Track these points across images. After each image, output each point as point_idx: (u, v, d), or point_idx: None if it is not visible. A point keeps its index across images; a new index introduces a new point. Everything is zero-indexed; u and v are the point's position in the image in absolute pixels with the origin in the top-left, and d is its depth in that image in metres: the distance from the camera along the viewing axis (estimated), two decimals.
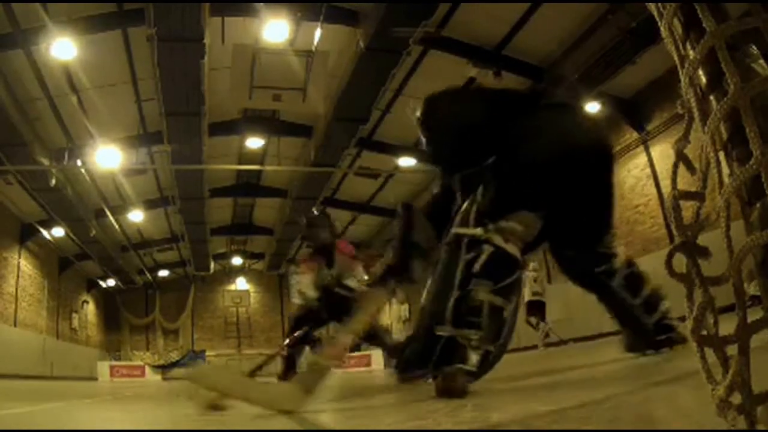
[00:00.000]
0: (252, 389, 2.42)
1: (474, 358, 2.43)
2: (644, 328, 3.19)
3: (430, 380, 2.58)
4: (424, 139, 3.10)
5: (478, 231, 2.58)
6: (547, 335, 13.93)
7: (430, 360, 2.55)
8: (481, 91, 3.31)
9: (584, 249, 3.15)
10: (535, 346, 13.72)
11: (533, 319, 13.85)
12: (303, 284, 6.73)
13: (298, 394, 2.32)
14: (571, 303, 15.73)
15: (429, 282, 2.86)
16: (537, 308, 14.13)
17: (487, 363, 2.51)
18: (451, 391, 2.27)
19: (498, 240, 2.53)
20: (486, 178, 2.74)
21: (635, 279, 3.23)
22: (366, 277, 5.94)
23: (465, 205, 2.79)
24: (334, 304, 6.26)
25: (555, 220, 2.76)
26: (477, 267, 2.52)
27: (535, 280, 14.18)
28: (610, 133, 3.37)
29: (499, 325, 2.52)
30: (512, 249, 2.55)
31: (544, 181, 2.65)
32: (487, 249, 2.53)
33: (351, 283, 6.30)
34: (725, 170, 0.68)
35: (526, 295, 13.68)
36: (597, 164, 2.93)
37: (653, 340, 3.19)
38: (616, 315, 3.36)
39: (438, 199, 3.16)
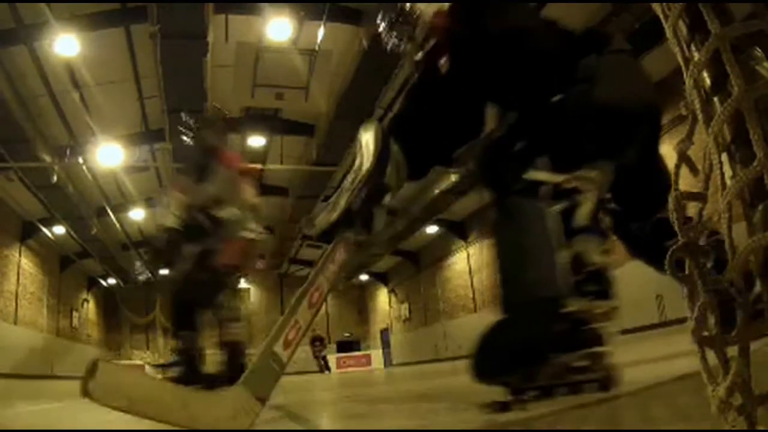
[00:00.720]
0: (177, 405, 1.61)
1: (607, 336, 1.89)
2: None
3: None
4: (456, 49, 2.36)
5: (561, 177, 2.04)
6: None
7: (550, 347, 1.86)
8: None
9: (650, 218, 2.38)
10: None
11: None
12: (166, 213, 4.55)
13: (247, 404, 1.64)
14: None
15: (501, 240, 2.20)
16: None
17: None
18: (595, 382, 1.78)
19: (591, 188, 2.00)
20: (552, 117, 2.15)
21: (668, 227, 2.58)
22: (253, 201, 4.54)
23: (520, 144, 2.21)
24: (194, 240, 4.33)
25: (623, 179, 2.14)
26: (580, 220, 1.99)
27: None
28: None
29: (614, 291, 2.02)
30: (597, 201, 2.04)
31: (622, 128, 2.09)
32: (587, 199, 1.99)
33: (226, 213, 4.37)
34: (728, 172, 0.68)
35: None
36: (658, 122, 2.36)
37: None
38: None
39: (416, 112, 2.52)
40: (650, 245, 2.42)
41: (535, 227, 1.99)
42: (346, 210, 2.18)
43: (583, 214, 1.97)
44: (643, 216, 2.39)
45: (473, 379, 1.89)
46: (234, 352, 4.38)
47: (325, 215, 2.24)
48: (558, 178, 2.02)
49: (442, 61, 2.42)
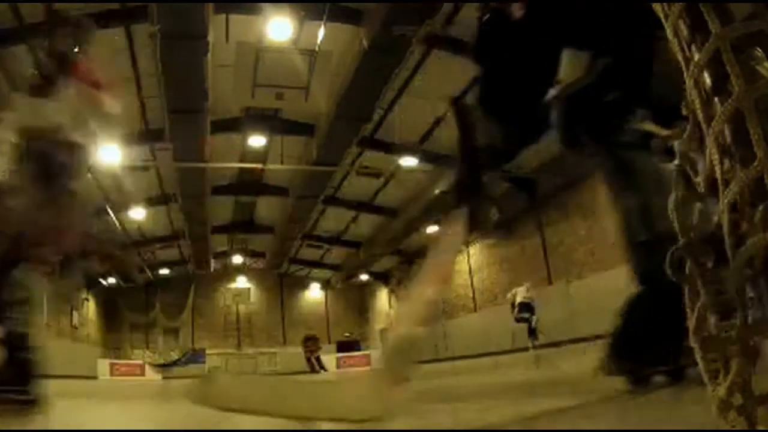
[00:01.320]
0: (305, 398, 1.55)
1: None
2: None
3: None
4: None
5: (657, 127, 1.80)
6: (534, 334, 14.97)
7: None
8: None
9: None
10: (527, 348, 14.45)
11: (525, 315, 15.00)
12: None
13: (385, 389, 1.53)
14: (572, 303, 15.75)
15: (620, 202, 2.02)
16: (528, 310, 15.19)
17: None
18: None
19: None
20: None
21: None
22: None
23: (619, 94, 2.01)
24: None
25: None
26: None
27: (527, 290, 15.60)
28: None
29: None
30: None
31: None
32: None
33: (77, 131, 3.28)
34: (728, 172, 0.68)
35: (519, 297, 15.29)
36: None
37: None
38: None
39: (500, 76, 2.27)
40: None
41: (657, 187, 1.75)
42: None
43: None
44: None
45: (611, 366, 1.81)
46: (15, 347, 2.85)
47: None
48: (667, 131, 1.70)
49: (516, 5, 2.20)
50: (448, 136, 15.89)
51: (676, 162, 0.76)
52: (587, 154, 2.16)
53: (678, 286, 1.54)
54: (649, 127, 1.83)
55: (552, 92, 2.19)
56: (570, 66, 2.09)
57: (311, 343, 23.26)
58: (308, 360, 23.06)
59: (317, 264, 29.86)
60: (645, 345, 1.71)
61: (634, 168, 1.93)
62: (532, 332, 14.94)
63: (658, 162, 1.83)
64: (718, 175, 0.68)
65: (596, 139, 2.05)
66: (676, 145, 0.75)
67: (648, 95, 1.93)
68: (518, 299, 15.29)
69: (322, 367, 23.18)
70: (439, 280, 1.83)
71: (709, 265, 0.74)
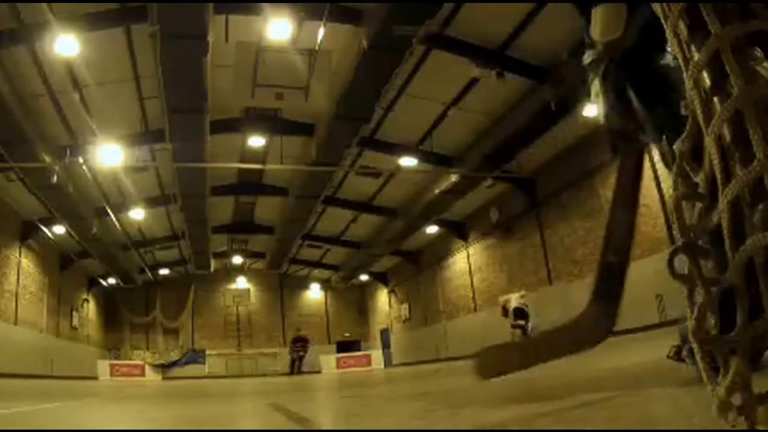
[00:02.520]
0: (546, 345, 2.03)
1: None
2: None
3: None
4: None
5: None
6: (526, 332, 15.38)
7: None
8: None
9: None
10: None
11: (521, 322, 15.40)
12: None
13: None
14: (572, 303, 15.76)
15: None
16: (522, 317, 15.58)
17: None
18: None
19: None
20: None
21: None
22: None
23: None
24: None
25: None
26: None
27: (522, 296, 15.98)
28: None
29: None
30: None
31: None
32: None
33: None
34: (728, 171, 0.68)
35: (513, 303, 15.63)
36: None
37: None
38: None
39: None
40: None
41: None
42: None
43: None
44: None
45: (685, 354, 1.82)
46: None
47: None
48: None
49: None
50: (447, 136, 15.91)
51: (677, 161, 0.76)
52: (634, 131, 2.02)
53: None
54: None
55: (586, 56, 2.04)
56: (603, 21, 1.88)
57: (300, 345, 22.18)
58: (292, 361, 22.04)
59: (317, 264, 29.86)
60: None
61: None
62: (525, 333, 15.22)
63: None
64: (717, 174, 0.68)
65: (649, 110, 1.86)
66: (675, 146, 0.76)
67: None
68: (512, 305, 15.65)
69: (299, 370, 21.60)
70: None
71: (709, 264, 0.74)
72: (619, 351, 3.56)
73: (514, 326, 15.40)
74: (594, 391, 1.91)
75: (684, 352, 2.00)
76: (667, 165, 1.94)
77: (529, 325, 15.12)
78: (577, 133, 14.39)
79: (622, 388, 1.80)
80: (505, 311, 15.83)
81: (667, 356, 2.10)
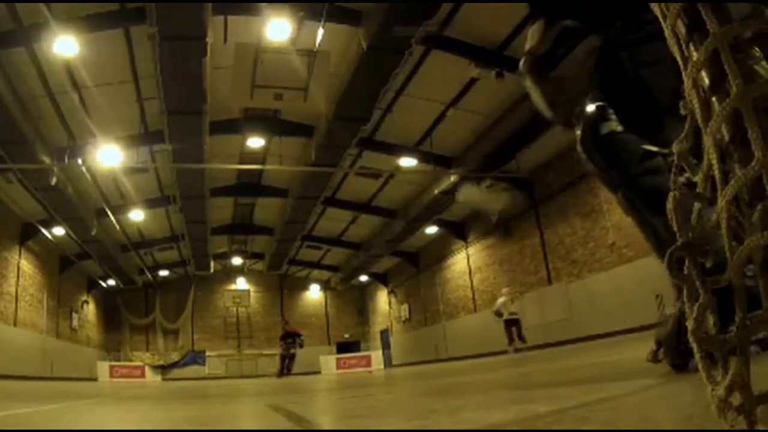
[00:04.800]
0: None
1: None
2: None
3: None
4: None
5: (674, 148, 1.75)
6: (512, 341, 16.23)
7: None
8: None
9: None
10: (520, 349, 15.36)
11: (514, 330, 16.21)
12: None
13: None
14: (572, 303, 15.78)
15: (654, 222, 2.00)
16: (514, 324, 16.28)
17: None
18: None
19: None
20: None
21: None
22: None
23: (612, 123, 2.04)
24: None
25: None
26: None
27: (512, 301, 16.68)
28: None
29: None
30: None
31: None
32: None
33: None
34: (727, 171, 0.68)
35: (505, 314, 16.35)
36: None
37: None
38: None
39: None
40: None
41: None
42: None
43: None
44: None
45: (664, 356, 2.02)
46: None
47: None
48: (665, 150, 1.85)
49: None
50: (446, 137, 15.92)
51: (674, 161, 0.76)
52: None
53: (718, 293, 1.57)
54: (650, 147, 1.88)
55: (520, 64, 2.30)
56: (530, 35, 2.18)
57: (291, 341, 19.80)
58: (282, 358, 19.89)
59: (317, 265, 29.87)
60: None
61: (653, 194, 1.87)
62: (521, 337, 16.04)
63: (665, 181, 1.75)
64: (716, 174, 0.68)
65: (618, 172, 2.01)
66: (674, 146, 0.76)
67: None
68: (505, 314, 16.38)
69: (288, 370, 19.41)
70: None
71: (708, 264, 0.74)
72: (619, 350, 3.56)
73: (507, 331, 16.32)
74: (593, 391, 1.91)
75: (660, 355, 2.19)
76: (625, 212, 2.08)
77: (521, 342, 15.80)
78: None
79: (621, 388, 1.80)
80: (498, 313, 16.59)
81: (647, 359, 2.19)
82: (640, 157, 1.92)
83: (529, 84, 2.25)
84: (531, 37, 2.25)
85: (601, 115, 2.03)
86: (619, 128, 1.99)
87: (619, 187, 2.03)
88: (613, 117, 2.01)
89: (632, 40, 1.97)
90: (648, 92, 1.93)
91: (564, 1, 2.20)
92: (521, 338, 15.99)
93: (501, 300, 16.81)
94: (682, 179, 0.74)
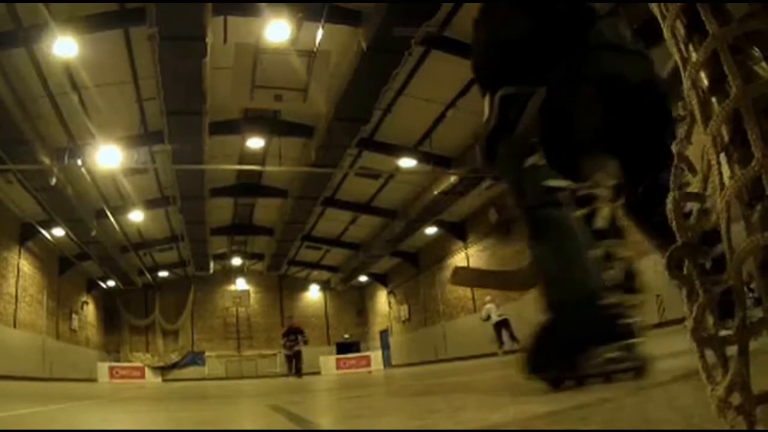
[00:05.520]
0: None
1: (640, 327, 2.05)
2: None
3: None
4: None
5: (576, 184, 2.15)
6: (502, 344, 16.79)
7: (595, 339, 2.01)
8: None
9: (648, 183, 2.52)
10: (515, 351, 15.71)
11: (505, 332, 16.75)
12: None
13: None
14: None
15: (539, 251, 2.23)
16: (503, 326, 16.83)
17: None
18: (632, 370, 1.97)
19: (605, 193, 2.15)
20: (544, 115, 2.22)
21: (712, 232, 2.81)
22: None
23: (533, 157, 2.24)
24: None
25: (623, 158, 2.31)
26: (602, 224, 2.13)
27: (497, 306, 17.30)
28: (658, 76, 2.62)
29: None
30: (615, 201, 2.20)
31: (610, 123, 2.19)
32: (604, 203, 2.15)
33: None
34: (726, 172, 0.68)
35: (493, 317, 17.10)
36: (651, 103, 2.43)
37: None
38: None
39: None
40: (641, 208, 2.60)
41: (567, 234, 2.10)
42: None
43: (602, 218, 2.13)
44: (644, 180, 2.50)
45: (526, 374, 2.16)
46: None
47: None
48: (574, 185, 2.12)
49: None
50: (446, 137, 15.91)
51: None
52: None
53: (575, 314, 1.85)
54: (560, 183, 2.14)
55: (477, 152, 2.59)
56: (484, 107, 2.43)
57: (294, 337, 18.58)
58: (288, 358, 18.75)
59: (316, 265, 29.86)
60: (553, 360, 2.09)
61: (549, 225, 2.17)
62: (513, 338, 16.44)
63: (568, 214, 2.12)
64: (715, 175, 0.68)
65: (521, 202, 2.28)
66: (673, 147, 0.76)
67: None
68: (493, 318, 17.01)
69: (299, 371, 18.21)
70: None
71: (707, 265, 0.74)
72: None
73: (498, 333, 16.95)
74: (593, 391, 1.91)
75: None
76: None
77: (513, 342, 16.13)
78: None
79: (621, 388, 1.80)
80: (486, 318, 17.35)
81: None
82: (543, 191, 2.14)
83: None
84: (484, 111, 2.43)
85: (529, 148, 2.22)
86: (542, 161, 2.18)
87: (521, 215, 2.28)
88: (540, 151, 2.19)
89: (561, 84, 2.19)
90: (571, 131, 2.15)
91: (500, 71, 2.39)
92: (513, 338, 16.15)
93: (486, 306, 17.49)
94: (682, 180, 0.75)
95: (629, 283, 2.12)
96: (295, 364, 18.32)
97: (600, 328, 2.02)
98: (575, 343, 2.03)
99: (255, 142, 16.63)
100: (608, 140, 2.21)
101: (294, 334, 18.76)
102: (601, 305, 2.01)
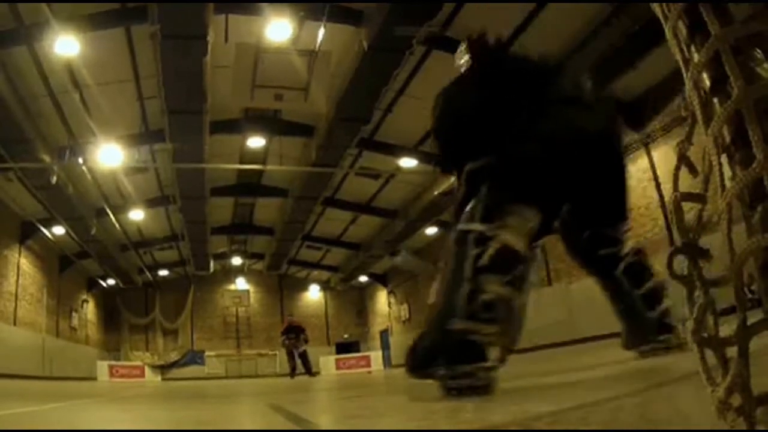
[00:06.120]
0: None
1: (493, 353, 2.37)
2: (643, 323, 3.21)
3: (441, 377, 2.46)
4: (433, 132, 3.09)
5: (484, 227, 2.55)
6: None
7: (441, 356, 2.42)
8: (487, 77, 3.08)
9: (592, 230, 3.23)
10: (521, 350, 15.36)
11: None
12: None
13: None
14: (572, 304, 15.78)
15: (438, 278, 2.69)
16: None
17: (505, 358, 2.51)
18: (475, 389, 2.29)
19: (503, 236, 2.52)
20: (489, 174, 2.69)
21: (640, 269, 3.26)
22: None
23: (472, 202, 2.70)
24: None
25: (559, 207, 2.87)
26: (485, 261, 2.48)
27: None
28: (618, 123, 3.51)
29: (512, 318, 2.54)
30: (517, 243, 2.54)
31: (546, 176, 2.66)
32: (494, 244, 2.50)
33: None
34: (727, 173, 0.68)
35: None
36: (604, 155, 2.98)
37: (650, 337, 3.19)
38: (616, 305, 3.40)
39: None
40: (586, 251, 3.30)
41: (456, 266, 2.55)
42: None
43: (486, 257, 2.49)
44: (585, 228, 3.22)
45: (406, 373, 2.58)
46: None
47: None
48: (482, 227, 2.56)
49: None
50: None
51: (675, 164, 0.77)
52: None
53: (433, 331, 2.36)
54: (468, 226, 2.62)
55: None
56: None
57: (294, 336, 18.00)
58: (290, 357, 18.04)
59: (316, 265, 29.85)
60: (418, 365, 2.50)
61: (451, 255, 2.62)
62: None
63: (466, 250, 2.55)
64: (717, 176, 0.68)
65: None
66: (675, 146, 0.76)
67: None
68: None
69: (309, 370, 17.76)
70: None
71: (708, 265, 0.74)
72: (619, 351, 3.56)
73: None
74: (593, 392, 1.91)
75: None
76: None
77: None
78: None
79: (621, 389, 1.80)
80: None
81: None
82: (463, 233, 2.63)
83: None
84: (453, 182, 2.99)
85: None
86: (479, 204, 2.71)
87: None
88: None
89: (514, 143, 2.69)
90: (516, 183, 2.66)
91: (464, 149, 2.88)
92: None
93: None
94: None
95: (489, 314, 2.39)
96: (304, 365, 17.93)
97: (443, 348, 2.38)
98: (425, 356, 2.45)
99: (255, 142, 16.63)
100: (556, 191, 2.72)
101: (295, 332, 18.32)
102: (449, 329, 2.38)
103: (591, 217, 3.20)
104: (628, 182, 3.30)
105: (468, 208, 2.69)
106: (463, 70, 3.29)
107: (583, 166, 2.77)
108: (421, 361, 2.49)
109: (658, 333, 3.17)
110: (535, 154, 2.64)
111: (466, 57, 3.31)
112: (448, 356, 2.36)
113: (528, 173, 2.64)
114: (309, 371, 17.84)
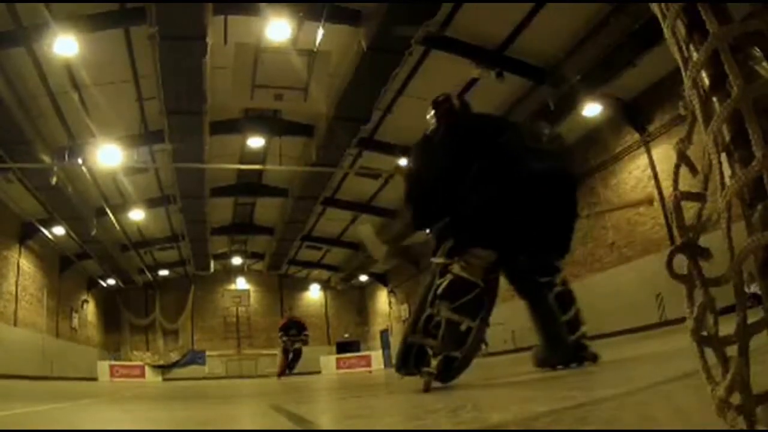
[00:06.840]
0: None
1: (433, 363, 3.19)
2: (563, 344, 3.64)
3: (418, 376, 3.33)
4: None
5: (443, 260, 3.37)
6: (486, 345, 17.13)
7: (409, 361, 3.43)
8: (442, 143, 3.73)
9: (538, 260, 3.78)
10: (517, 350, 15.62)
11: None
12: None
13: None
14: None
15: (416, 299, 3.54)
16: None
17: (451, 367, 3.23)
18: (425, 387, 3.13)
19: (456, 269, 3.25)
20: (450, 229, 3.46)
21: (568, 297, 3.77)
22: None
23: (441, 247, 3.49)
24: None
25: (511, 245, 3.43)
26: (440, 290, 3.25)
27: None
28: (570, 166, 4.64)
29: (456, 336, 3.18)
30: (470, 275, 3.23)
31: (497, 223, 3.30)
32: (449, 276, 3.25)
33: None
34: (727, 172, 0.68)
35: None
36: (556, 192, 3.49)
37: (568, 355, 3.64)
38: (541, 327, 3.82)
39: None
40: (524, 277, 3.84)
41: (425, 292, 3.44)
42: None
43: (441, 286, 3.28)
44: (528, 256, 3.72)
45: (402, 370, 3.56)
46: None
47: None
48: (442, 260, 3.40)
49: None
50: None
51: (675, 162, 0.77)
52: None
53: (401, 343, 3.59)
54: (436, 259, 3.48)
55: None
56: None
57: (295, 332, 17.02)
58: (285, 352, 17.16)
59: (317, 265, 29.84)
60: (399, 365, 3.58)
61: (421, 284, 3.72)
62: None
63: (429, 279, 3.50)
64: (716, 174, 0.68)
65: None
66: (674, 145, 0.76)
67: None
68: None
69: (290, 368, 17.02)
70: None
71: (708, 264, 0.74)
72: (619, 350, 3.57)
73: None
74: (592, 391, 1.91)
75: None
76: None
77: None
78: (576, 133, 14.40)
79: (620, 388, 1.80)
80: None
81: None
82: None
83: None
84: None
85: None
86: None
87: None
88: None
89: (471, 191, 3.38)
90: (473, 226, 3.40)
91: (428, 217, 3.73)
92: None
93: None
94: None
95: (435, 331, 3.25)
96: (293, 360, 17.11)
97: (403, 354, 3.48)
98: (396, 359, 3.61)
99: (255, 142, 16.62)
100: (504, 234, 3.33)
101: (297, 328, 17.30)
102: (407, 342, 3.43)
103: (539, 249, 3.65)
104: (578, 216, 3.89)
105: (438, 252, 3.49)
106: (430, 129, 4.12)
107: (531, 209, 3.31)
108: (395, 362, 3.62)
109: (575, 351, 3.64)
110: (479, 211, 3.29)
111: (433, 118, 4.19)
112: (404, 360, 3.45)
113: (476, 225, 3.32)
114: (291, 369, 17.09)
